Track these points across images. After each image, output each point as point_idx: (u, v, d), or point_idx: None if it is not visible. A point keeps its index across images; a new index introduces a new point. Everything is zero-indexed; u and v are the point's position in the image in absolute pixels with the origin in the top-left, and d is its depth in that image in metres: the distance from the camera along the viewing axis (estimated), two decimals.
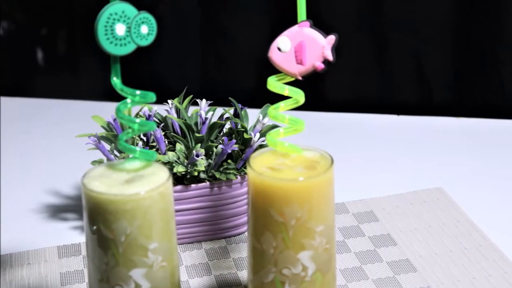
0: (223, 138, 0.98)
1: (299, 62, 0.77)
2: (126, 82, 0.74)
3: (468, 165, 1.18)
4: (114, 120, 0.99)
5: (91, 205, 0.74)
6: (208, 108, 1.00)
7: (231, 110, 1.02)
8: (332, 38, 0.77)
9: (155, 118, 1.02)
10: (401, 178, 1.14)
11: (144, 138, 1.01)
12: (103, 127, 1.01)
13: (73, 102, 1.46)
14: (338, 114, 1.38)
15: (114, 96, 0.80)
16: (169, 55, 1.46)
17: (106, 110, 1.09)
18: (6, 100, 1.47)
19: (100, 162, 0.98)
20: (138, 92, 0.74)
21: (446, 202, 1.06)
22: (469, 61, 1.39)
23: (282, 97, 0.79)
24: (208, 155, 0.97)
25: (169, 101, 1.01)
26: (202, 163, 0.95)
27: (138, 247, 0.74)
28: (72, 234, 1.02)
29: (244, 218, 1.00)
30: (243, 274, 0.93)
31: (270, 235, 0.77)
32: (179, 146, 0.97)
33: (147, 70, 1.46)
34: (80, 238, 1.01)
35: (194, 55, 1.46)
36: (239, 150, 0.98)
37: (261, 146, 0.98)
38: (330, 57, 0.77)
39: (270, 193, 0.76)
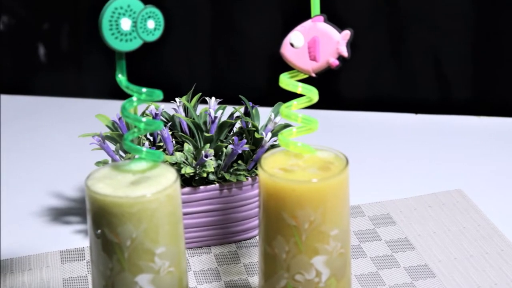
0: (233, 138, 0.98)
1: (313, 59, 0.77)
2: (131, 79, 0.74)
3: (489, 166, 1.18)
4: (120, 119, 0.99)
5: (95, 208, 0.74)
6: (217, 106, 1.01)
7: (242, 109, 1.02)
8: (347, 33, 0.77)
9: (162, 117, 1.02)
10: (419, 180, 1.14)
11: (151, 138, 1.01)
12: (108, 126, 1.01)
13: (77, 100, 1.47)
14: (353, 112, 1.39)
15: (119, 94, 0.81)
16: (177, 51, 1.48)
17: (111, 108, 1.11)
18: (7, 98, 1.48)
19: (104, 163, 0.99)
20: (144, 89, 0.74)
21: (466, 205, 1.06)
22: (490, 57, 1.42)
23: (294, 95, 0.78)
24: (217, 156, 0.97)
25: (177, 99, 1.02)
26: (211, 164, 0.95)
27: (144, 252, 0.74)
28: (75, 238, 1.02)
29: (255, 222, 1.00)
30: (254, 280, 0.93)
31: (282, 239, 0.77)
32: (187, 146, 0.97)
33: (154, 67, 1.50)
34: (83, 243, 1.01)
35: (203, 51, 1.48)
36: (250, 151, 0.98)
37: (273, 146, 0.97)
38: (345, 53, 0.77)
39: (282, 196, 0.76)
